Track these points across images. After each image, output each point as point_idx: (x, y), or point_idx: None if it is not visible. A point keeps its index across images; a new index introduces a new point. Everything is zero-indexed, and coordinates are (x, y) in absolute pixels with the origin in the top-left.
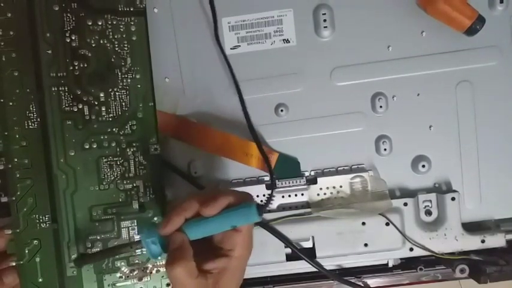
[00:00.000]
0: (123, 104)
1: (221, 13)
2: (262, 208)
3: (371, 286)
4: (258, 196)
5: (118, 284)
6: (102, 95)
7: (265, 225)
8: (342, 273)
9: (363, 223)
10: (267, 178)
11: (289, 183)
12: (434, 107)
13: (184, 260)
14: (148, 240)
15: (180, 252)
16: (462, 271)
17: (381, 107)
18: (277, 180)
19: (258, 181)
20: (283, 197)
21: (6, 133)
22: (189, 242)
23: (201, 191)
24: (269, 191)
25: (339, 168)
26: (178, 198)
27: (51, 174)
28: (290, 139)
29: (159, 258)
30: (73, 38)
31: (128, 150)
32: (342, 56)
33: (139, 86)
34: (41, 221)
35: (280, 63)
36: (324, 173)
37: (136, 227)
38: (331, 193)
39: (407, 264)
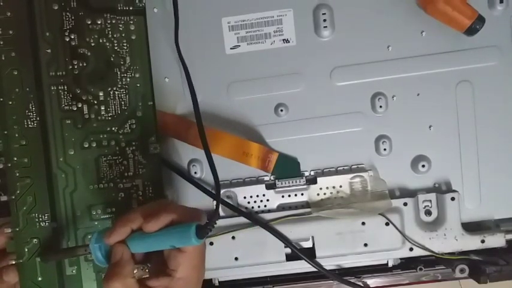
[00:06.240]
0: (123, 103)
1: (221, 13)
2: (204, 230)
3: (371, 286)
4: (258, 196)
5: None
6: (101, 94)
7: (265, 225)
8: (341, 273)
9: (363, 223)
10: (267, 178)
11: (289, 183)
12: (434, 107)
13: (121, 277)
14: (96, 246)
15: (119, 268)
16: (462, 271)
17: (380, 107)
18: (277, 180)
19: (257, 181)
20: (283, 196)
21: (5, 132)
22: (130, 255)
23: (150, 203)
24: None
25: (338, 168)
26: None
27: (51, 173)
28: (290, 139)
29: (104, 266)
30: (72, 37)
31: (127, 149)
32: (342, 56)
33: (138, 85)
34: (41, 219)
35: (280, 63)
36: (323, 173)
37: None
38: (331, 193)
39: (407, 264)
